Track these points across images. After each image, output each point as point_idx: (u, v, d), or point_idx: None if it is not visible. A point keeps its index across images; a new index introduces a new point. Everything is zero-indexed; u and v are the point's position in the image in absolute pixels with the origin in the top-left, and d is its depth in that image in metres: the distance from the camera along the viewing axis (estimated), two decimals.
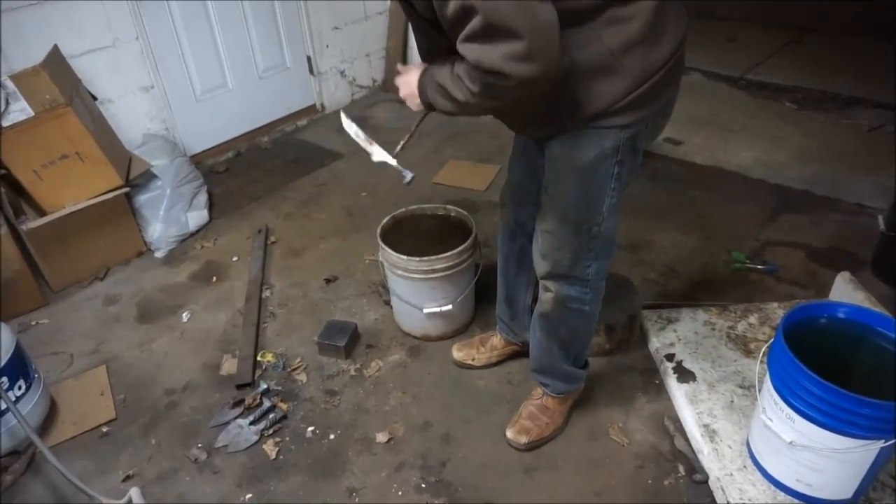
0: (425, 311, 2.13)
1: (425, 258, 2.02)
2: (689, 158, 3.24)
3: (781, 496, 1.58)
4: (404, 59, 4.06)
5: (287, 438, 1.93)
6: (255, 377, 2.14)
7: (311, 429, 1.96)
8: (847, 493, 1.53)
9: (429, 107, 1.40)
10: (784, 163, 3.15)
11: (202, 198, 2.99)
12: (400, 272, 2.08)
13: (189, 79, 3.36)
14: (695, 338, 2.08)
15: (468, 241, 2.08)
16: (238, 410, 2.01)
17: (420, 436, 1.91)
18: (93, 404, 2.08)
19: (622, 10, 1.22)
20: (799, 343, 1.43)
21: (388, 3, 4.10)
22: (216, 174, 3.43)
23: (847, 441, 1.39)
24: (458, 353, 2.13)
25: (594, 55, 1.23)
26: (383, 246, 2.09)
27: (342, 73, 4.07)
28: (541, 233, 1.56)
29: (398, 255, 2.04)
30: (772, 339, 1.54)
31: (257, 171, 3.46)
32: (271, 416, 1.98)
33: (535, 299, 1.91)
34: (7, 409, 1.76)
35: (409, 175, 1.70)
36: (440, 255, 2.03)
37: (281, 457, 1.88)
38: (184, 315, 2.46)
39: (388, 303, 2.37)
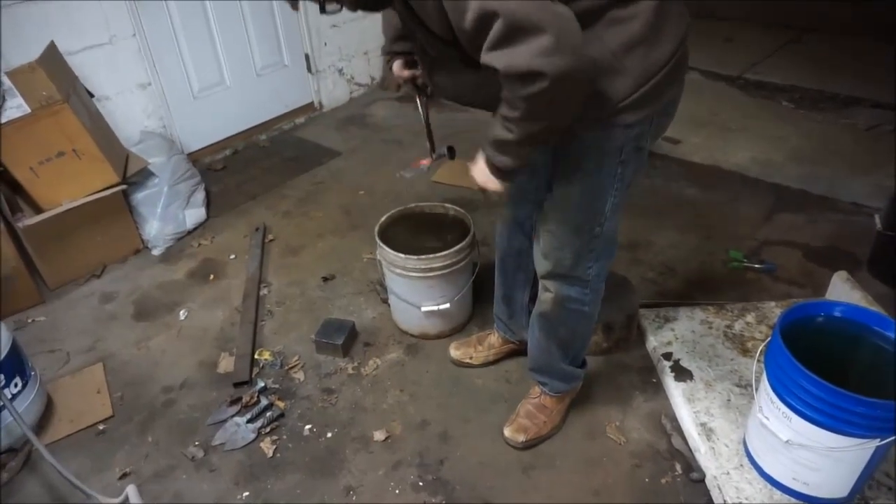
0: (423, 309, 2.12)
1: (423, 256, 2.02)
2: (688, 158, 3.25)
3: (778, 495, 1.59)
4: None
5: (284, 436, 1.93)
6: (253, 375, 2.13)
7: (308, 427, 1.95)
8: (843, 492, 1.53)
9: (508, 172, 1.37)
10: (782, 162, 3.16)
11: (199, 195, 2.98)
12: (398, 270, 2.08)
13: (187, 76, 3.35)
14: (692, 337, 2.08)
15: (466, 240, 2.08)
16: (235, 408, 2.01)
17: (417, 434, 1.91)
18: (89, 402, 2.07)
19: (622, 12, 1.22)
20: (796, 342, 1.44)
21: None
22: (214, 172, 3.42)
23: (843, 440, 1.40)
24: (455, 352, 2.13)
25: (596, 57, 1.23)
26: (381, 244, 2.09)
27: (340, 71, 4.06)
28: (542, 232, 1.56)
29: (396, 253, 2.04)
30: (769, 338, 1.55)
31: (255, 169, 3.46)
32: (268, 414, 1.98)
33: (532, 298, 1.91)
34: (3, 407, 1.75)
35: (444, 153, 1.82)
36: (438, 254, 2.03)
37: (278, 455, 1.88)
38: (181, 313, 2.46)
39: (385, 301, 2.37)
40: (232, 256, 2.76)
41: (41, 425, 1.98)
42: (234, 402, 2.03)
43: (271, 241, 2.85)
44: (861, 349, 1.55)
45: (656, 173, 3.11)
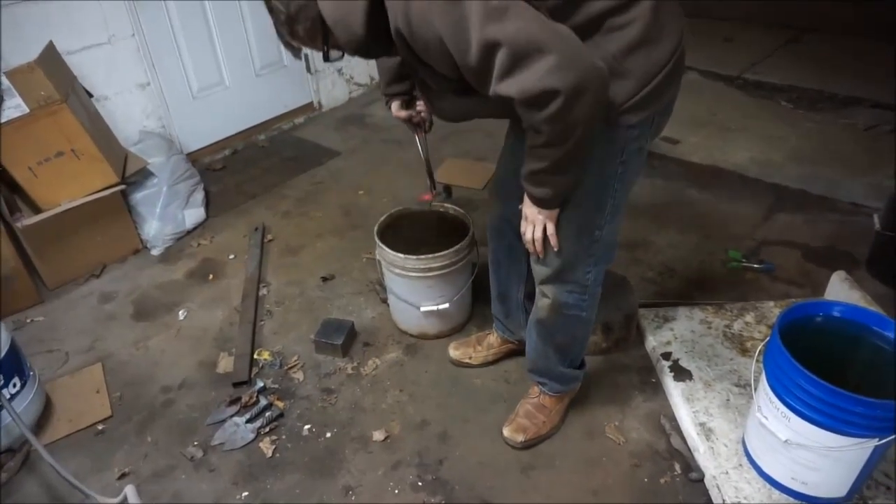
0: (422, 309, 2.12)
1: (422, 256, 2.02)
2: (687, 157, 3.25)
3: (776, 494, 1.59)
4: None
5: (283, 436, 1.93)
6: (252, 375, 2.13)
7: (307, 427, 1.95)
8: (841, 492, 1.54)
9: (554, 200, 1.39)
10: (781, 162, 3.16)
11: (199, 195, 2.98)
12: (397, 270, 2.08)
13: (186, 76, 3.35)
14: (691, 336, 2.08)
15: (465, 240, 2.08)
16: (234, 408, 2.01)
17: (417, 434, 1.91)
18: (88, 402, 2.07)
19: (619, 19, 1.23)
20: (795, 342, 1.44)
21: None
22: (213, 172, 3.42)
23: (842, 439, 1.40)
24: (454, 352, 2.13)
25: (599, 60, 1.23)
26: (380, 244, 2.09)
27: (339, 70, 4.06)
28: None
29: (395, 253, 2.04)
30: (768, 338, 1.55)
31: (254, 169, 3.46)
32: (268, 414, 1.98)
33: (528, 295, 1.91)
34: (2, 407, 1.75)
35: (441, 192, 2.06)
36: (437, 254, 2.03)
37: (277, 455, 1.87)
38: (180, 313, 2.46)
39: (385, 301, 2.37)
40: (231, 256, 2.76)
41: (40, 425, 1.98)
42: (233, 402, 2.03)
43: (270, 241, 2.85)
44: (860, 349, 1.55)
45: (655, 173, 3.11)
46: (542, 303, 1.63)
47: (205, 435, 1.95)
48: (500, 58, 1.10)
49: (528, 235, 1.48)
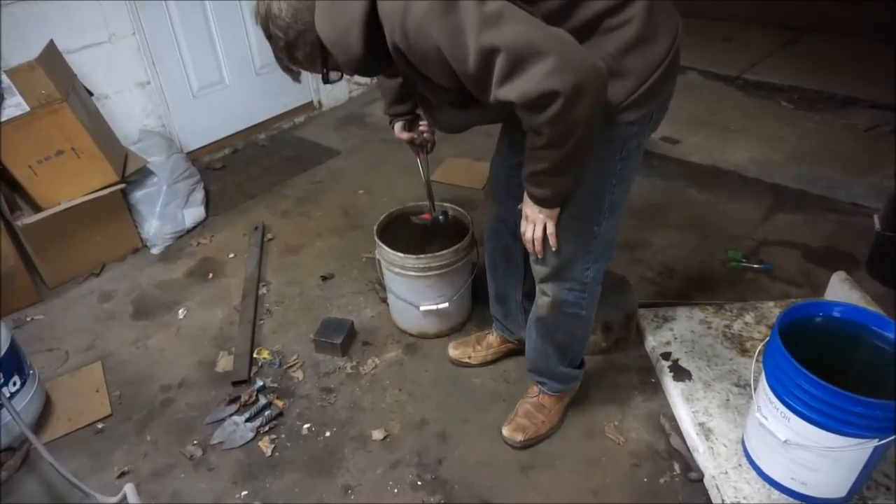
0: (422, 308, 2.12)
1: (422, 256, 2.02)
2: (687, 158, 3.25)
3: (776, 494, 1.59)
4: None
5: (283, 436, 1.93)
6: (252, 374, 2.13)
7: (306, 426, 1.95)
8: (841, 492, 1.54)
9: (555, 199, 1.39)
10: (780, 162, 3.16)
11: (199, 195, 2.98)
12: (396, 270, 2.08)
13: (186, 75, 3.35)
14: (691, 336, 2.09)
15: (465, 240, 2.08)
16: (234, 407, 2.01)
17: (416, 434, 1.91)
18: (88, 401, 2.07)
19: (614, 20, 1.24)
20: (794, 342, 1.44)
21: None
22: (213, 171, 3.42)
23: (842, 440, 1.40)
24: (454, 352, 2.13)
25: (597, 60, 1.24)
26: (380, 243, 2.09)
27: None
28: None
29: (395, 252, 2.04)
30: (767, 338, 1.55)
31: (254, 168, 3.46)
32: (267, 413, 1.98)
33: (526, 295, 1.91)
34: (2, 406, 1.75)
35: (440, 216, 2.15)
36: (437, 253, 2.03)
37: (276, 454, 1.87)
38: (180, 312, 2.46)
39: (384, 300, 2.37)
40: (231, 255, 2.76)
41: (40, 424, 1.98)
42: (232, 401, 2.03)
43: (270, 240, 2.85)
44: (859, 349, 1.55)
45: (655, 173, 3.11)
46: (542, 301, 1.63)
47: (204, 434, 1.95)
48: (499, 63, 1.10)
49: (528, 235, 1.48)
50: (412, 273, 2.06)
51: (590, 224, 1.47)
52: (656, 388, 2.01)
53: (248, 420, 1.96)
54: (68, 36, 2.79)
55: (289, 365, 2.18)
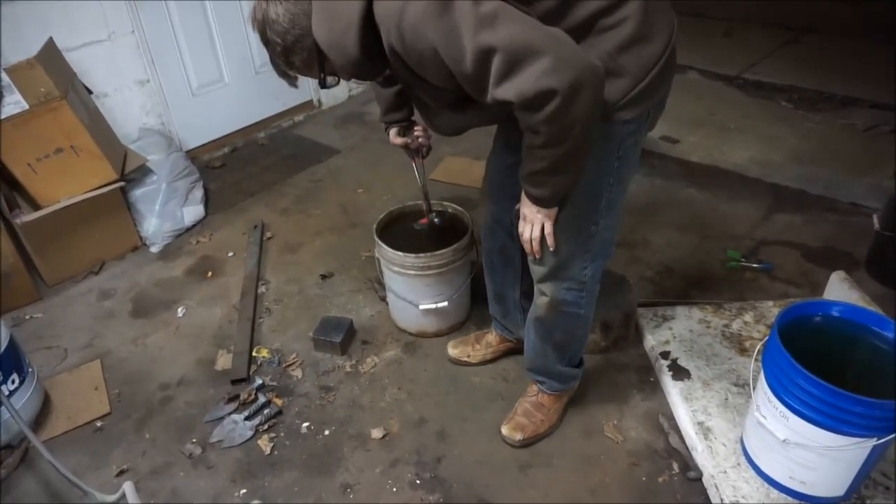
0: (421, 307, 2.12)
1: (421, 255, 2.02)
2: (686, 157, 3.25)
3: (774, 493, 1.59)
4: None
5: (282, 434, 1.93)
6: (251, 373, 2.13)
7: (305, 424, 1.95)
8: (840, 491, 1.54)
9: (553, 199, 1.39)
10: (780, 162, 3.16)
11: (198, 193, 2.98)
12: (396, 268, 2.08)
13: (185, 73, 3.34)
14: (690, 336, 2.09)
15: (464, 239, 2.08)
16: (233, 406, 2.01)
17: (415, 432, 1.92)
18: (87, 399, 2.07)
19: (610, 19, 1.24)
20: (793, 341, 1.44)
21: None
22: (212, 169, 3.42)
23: (840, 439, 1.40)
24: (453, 350, 2.13)
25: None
26: (379, 242, 2.09)
27: None
28: None
29: (394, 251, 2.04)
30: (766, 338, 1.55)
31: (253, 166, 3.46)
32: (266, 411, 1.98)
33: (524, 294, 1.91)
34: (1, 404, 1.75)
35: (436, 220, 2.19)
36: (436, 252, 2.03)
37: (275, 452, 1.87)
38: (179, 310, 2.45)
39: (383, 299, 2.37)
40: (230, 254, 2.76)
41: (38, 422, 1.98)
42: (231, 399, 2.03)
43: (270, 238, 2.85)
44: (859, 349, 1.55)
45: (655, 172, 3.11)
46: (541, 301, 1.63)
47: (203, 432, 1.95)
48: (496, 63, 1.10)
49: (525, 235, 1.48)
50: (411, 272, 2.06)
51: (587, 223, 1.47)
52: (655, 388, 2.01)
53: (247, 418, 1.95)
54: (68, 34, 2.79)
55: (288, 363, 2.18)
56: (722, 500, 1.60)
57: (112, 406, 2.06)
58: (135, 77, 3.13)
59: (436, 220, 2.16)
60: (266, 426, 1.95)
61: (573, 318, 1.65)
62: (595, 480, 1.75)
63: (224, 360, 2.20)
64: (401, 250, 2.03)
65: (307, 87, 3.97)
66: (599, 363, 2.09)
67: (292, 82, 1.41)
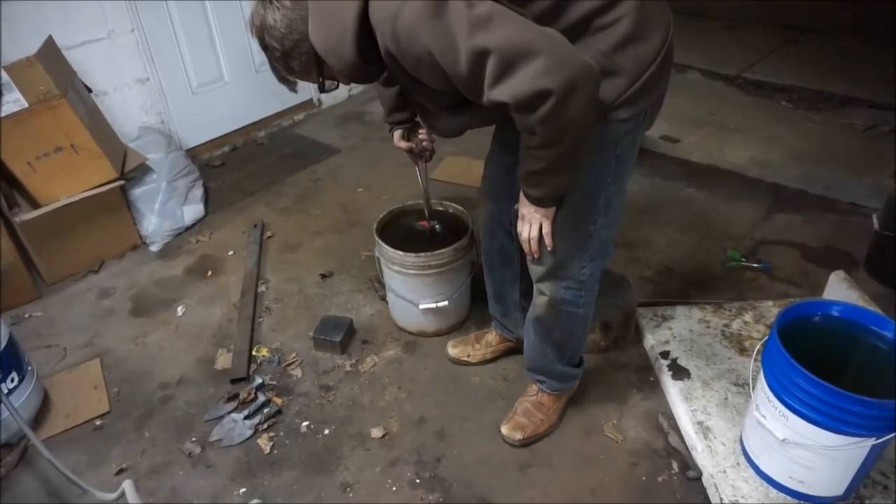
0: (421, 306, 2.12)
1: (421, 254, 2.02)
2: (686, 157, 3.25)
3: (774, 493, 1.59)
4: None
5: (281, 433, 1.93)
6: (250, 372, 2.13)
7: (305, 424, 1.95)
8: (839, 490, 1.54)
9: (551, 198, 1.39)
10: (780, 162, 3.16)
11: (198, 192, 2.98)
12: (396, 268, 2.08)
13: (185, 72, 3.34)
14: (690, 335, 2.09)
15: (464, 238, 2.08)
16: (232, 405, 2.01)
17: (415, 432, 1.92)
18: (86, 397, 2.07)
19: (605, 19, 1.24)
20: (793, 341, 1.44)
21: None
22: (212, 168, 3.41)
23: (840, 438, 1.40)
24: (453, 350, 2.13)
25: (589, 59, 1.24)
26: (379, 241, 2.09)
27: None
28: None
29: (394, 250, 2.04)
30: (766, 337, 1.55)
31: (253, 165, 3.46)
32: (266, 410, 1.98)
33: (523, 294, 1.91)
34: (0, 402, 1.75)
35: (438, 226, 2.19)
36: (436, 252, 2.03)
37: (275, 451, 1.87)
38: (178, 309, 2.45)
39: (383, 298, 2.37)
40: (230, 253, 2.76)
41: (38, 420, 1.98)
42: (231, 398, 2.03)
43: (269, 237, 2.85)
44: (858, 348, 1.55)
45: (655, 172, 3.11)
46: (540, 300, 1.63)
47: (203, 431, 1.95)
48: (491, 65, 1.10)
49: (524, 234, 1.48)
50: (412, 271, 2.06)
51: (586, 222, 1.47)
52: (655, 387, 2.01)
53: (246, 417, 1.95)
54: (67, 32, 2.78)
55: (288, 363, 2.18)
56: (721, 499, 1.60)
57: (111, 405, 2.05)
58: (134, 75, 3.13)
59: (437, 227, 2.16)
60: (266, 425, 1.95)
61: (572, 318, 1.65)
62: (595, 480, 1.75)
63: (224, 360, 2.20)
64: (401, 250, 2.03)
65: (307, 86, 3.94)
66: (599, 363, 2.09)
67: (292, 87, 1.41)
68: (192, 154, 3.35)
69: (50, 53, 2.54)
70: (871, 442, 1.39)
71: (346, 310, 2.40)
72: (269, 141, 3.72)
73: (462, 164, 3.21)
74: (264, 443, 1.89)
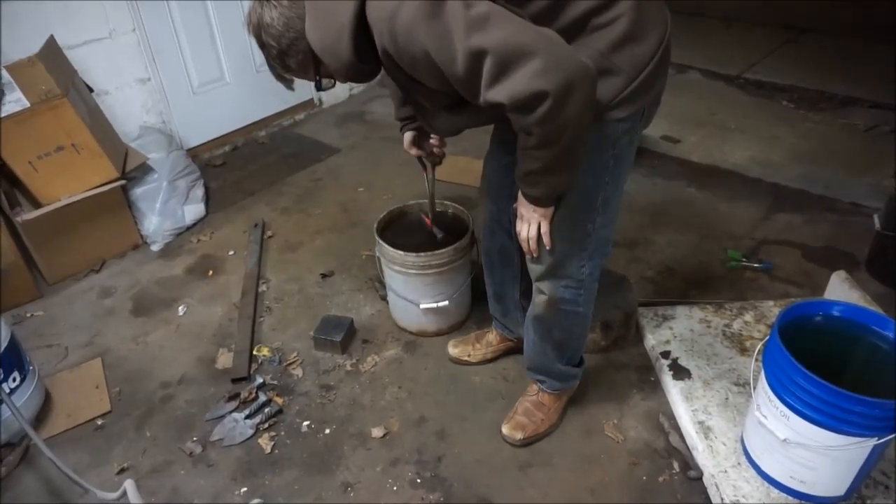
0: (421, 306, 2.13)
1: (422, 254, 2.02)
2: (687, 157, 3.25)
3: (775, 493, 1.59)
4: None
5: (282, 433, 1.93)
6: (251, 371, 2.13)
7: (306, 423, 1.96)
8: (840, 491, 1.54)
9: (549, 198, 1.39)
10: (780, 162, 3.16)
11: (199, 191, 2.98)
12: (396, 267, 2.08)
13: (186, 72, 3.34)
14: (690, 335, 2.09)
15: (465, 238, 2.08)
16: (233, 404, 2.01)
17: (415, 431, 1.92)
18: (87, 397, 2.07)
19: (602, 18, 1.24)
20: (794, 341, 1.44)
21: None
22: (213, 168, 3.42)
23: (841, 438, 1.40)
24: (453, 350, 2.13)
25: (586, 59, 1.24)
26: (380, 241, 2.09)
27: None
28: None
29: (395, 250, 2.04)
30: (767, 337, 1.55)
31: (254, 165, 3.46)
32: (267, 410, 1.98)
33: (523, 293, 1.91)
34: (2, 402, 1.75)
35: (439, 234, 2.14)
36: (437, 251, 2.03)
37: (276, 451, 1.88)
38: (179, 308, 2.46)
39: (384, 298, 2.37)
40: (231, 252, 2.76)
41: (39, 420, 1.98)
42: (232, 397, 2.03)
43: (270, 237, 2.85)
44: (859, 348, 1.55)
45: (655, 172, 3.11)
46: (539, 299, 1.64)
47: (203, 431, 1.95)
48: (487, 65, 1.10)
49: (523, 234, 1.48)
50: (412, 271, 2.06)
51: (584, 222, 1.47)
52: (655, 387, 2.01)
53: (247, 417, 1.96)
54: (69, 31, 2.78)
55: (288, 362, 2.18)
56: (722, 499, 1.60)
57: (113, 404, 2.06)
58: (136, 75, 3.13)
59: (439, 236, 2.15)
60: (266, 425, 1.95)
61: (572, 317, 1.65)
62: (595, 480, 1.75)
63: (224, 359, 2.20)
64: (401, 249, 2.03)
65: (308, 85, 3.95)
66: (600, 362, 2.09)
67: (289, 85, 1.42)
68: (193, 154, 3.36)
69: (51, 53, 2.55)
70: (872, 442, 1.39)
71: (346, 309, 2.40)
72: (270, 140, 3.72)
73: (462, 164, 3.21)
74: (265, 442, 1.89)
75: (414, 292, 2.12)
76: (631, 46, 1.26)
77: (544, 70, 1.08)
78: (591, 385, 2.01)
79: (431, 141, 1.85)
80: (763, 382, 1.53)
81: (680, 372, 1.96)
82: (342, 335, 2.18)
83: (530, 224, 1.45)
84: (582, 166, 1.35)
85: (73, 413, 2.02)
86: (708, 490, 1.67)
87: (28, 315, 2.46)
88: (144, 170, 2.77)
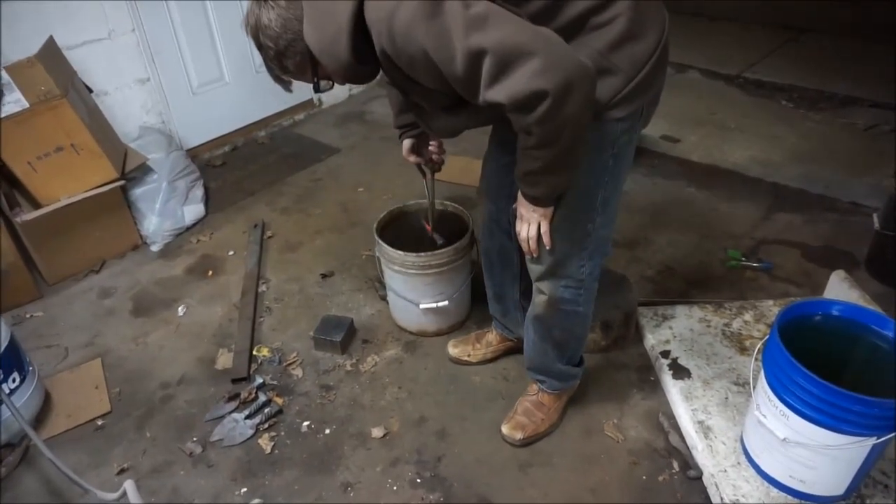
0: (421, 306, 2.13)
1: (422, 254, 2.02)
2: (686, 156, 3.25)
3: (774, 492, 1.59)
4: None
5: (282, 433, 1.93)
6: (251, 371, 2.13)
7: (306, 423, 1.96)
8: (839, 490, 1.54)
9: (548, 198, 1.39)
10: (780, 161, 3.16)
11: (198, 192, 2.98)
12: (396, 267, 2.08)
13: (186, 72, 3.34)
14: (690, 335, 2.09)
15: (465, 238, 2.08)
16: (233, 405, 2.01)
17: (415, 431, 1.92)
18: (87, 397, 2.07)
19: (600, 17, 1.24)
20: (793, 340, 1.44)
21: None
22: (213, 168, 3.42)
23: (840, 438, 1.40)
24: (453, 350, 2.13)
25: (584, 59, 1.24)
26: (380, 241, 2.09)
27: None
28: None
29: (394, 250, 2.04)
30: (767, 337, 1.55)
31: (254, 165, 3.46)
32: (266, 410, 1.98)
33: (523, 293, 1.91)
34: (1, 402, 1.75)
35: (440, 240, 2.14)
36: (437, 251, 2.03)
37: (276, 451, 1.88)
38: (179, 309, 2.46)
39: (384, 298, 2.37)
40: (230, 252, 2.76)
41: (39, 420, 1.98)
42: (232, 398, 2.03)
43: (270, 237, 2.85)
44: (858, 348, 1.55)
45: (655, 172, 3.11)
46: (539, 299, 1.64)
47: (203, 431, 1.95)
48: (487, 65, 1.10)
49: (522, 234, 1.48)
50: (412, 271, 2.06)
51: (584, 221, 1.47)
52: (655, 387, 2.01)
53: (247, 417, 1.96)
54: (68, 32, 2.78)
55: (288, 362, 2.18)
56: (722, 498, 1.60)
57: (112, 404, 2.06)
58: (135, 75, 3.13)
59: (439, 242, 2.15)
60: (266, 425, 1.95)
61: (572, 316, 1.65)
62: (595, 479, 1.75)
63: (224, 359, 2.20)
64: (401, 249, 2.03)
65: (307, 85, 3.95)
66: (599, 362, 2.09)
67: (287, 87, 1.41)
68: (193, 154, 3.36)
69: (51, 53, 2.55)
70: (871, 441, 1.39)
71: (346, 309, 2.40)
72: (270, 141, 3.72)
73: (461, 164, 3.21)
74: (265, 442, 1.89)
75: (414, 292, 2.12)
76: (629, 46, 1.26)
77: (543, 69, 1.09)
78: (591, 385, 2.01)
79: (430, 148, 1.85)
80: (763, 382, 1.53)
81: (680, 371, 1.96)
82: (342, 335, 2.18)
83: (530, 224, 1.45)
84: (581, 166, 1.35)
85: (73, 413, 2.02)
86: (708, 489, 1.68)
87: (28, 315, 2.46)
88: (144, 170, 2.77)
